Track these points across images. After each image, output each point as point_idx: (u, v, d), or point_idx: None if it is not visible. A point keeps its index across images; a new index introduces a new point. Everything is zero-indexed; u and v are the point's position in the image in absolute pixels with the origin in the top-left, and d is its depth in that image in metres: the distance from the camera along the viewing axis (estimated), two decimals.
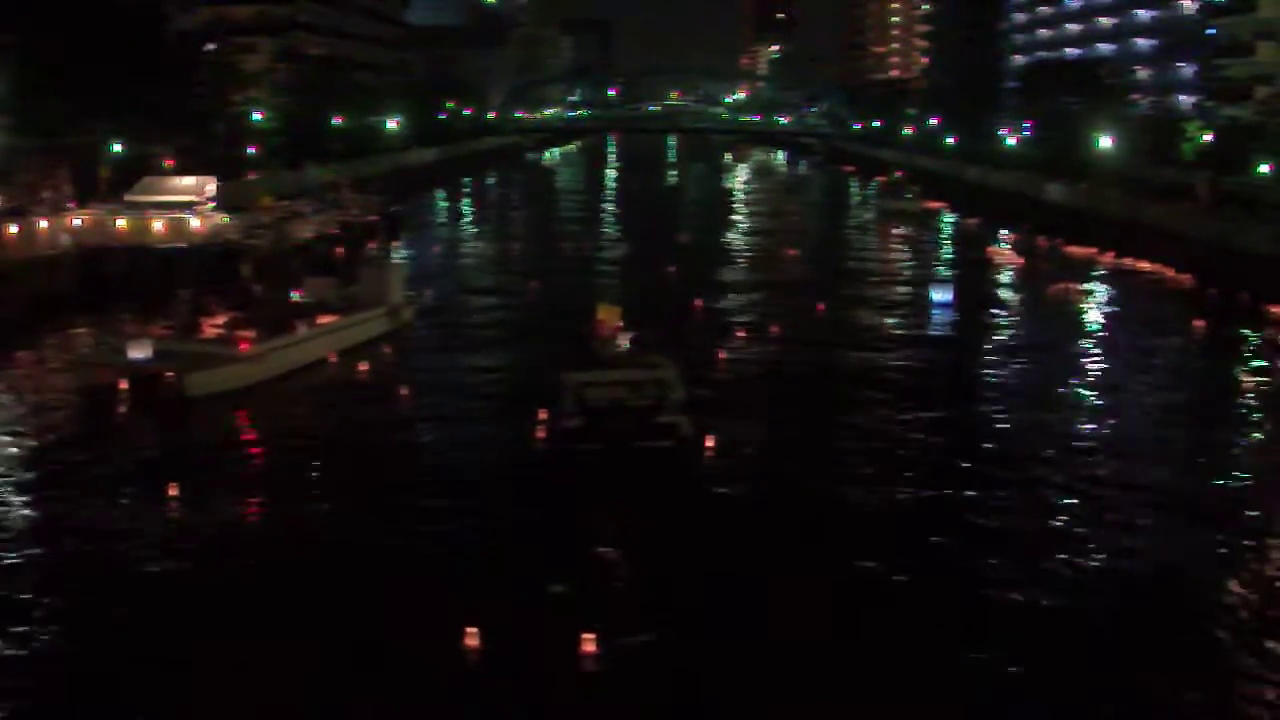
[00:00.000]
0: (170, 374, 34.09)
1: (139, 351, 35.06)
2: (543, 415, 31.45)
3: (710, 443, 30.10)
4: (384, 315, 43.31)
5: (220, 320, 38.22)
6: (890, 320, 50.78)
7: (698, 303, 50.47)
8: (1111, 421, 34.43)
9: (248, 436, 32.79)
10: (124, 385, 34.58)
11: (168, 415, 33.29)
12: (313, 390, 37.17)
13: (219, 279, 43.92)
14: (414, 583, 22.54)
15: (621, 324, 33.14)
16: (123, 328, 38.22)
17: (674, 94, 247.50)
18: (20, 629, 20.32)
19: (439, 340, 45.64)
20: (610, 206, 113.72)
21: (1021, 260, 67.24)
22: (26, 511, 26.02)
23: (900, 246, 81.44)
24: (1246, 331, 46.53)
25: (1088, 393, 38.27)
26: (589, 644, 19.63)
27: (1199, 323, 48.31)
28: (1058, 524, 26.05)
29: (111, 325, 43.07)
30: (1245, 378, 40.58)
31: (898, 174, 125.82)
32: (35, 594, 21.73)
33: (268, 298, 39.94)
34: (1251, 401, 37.76)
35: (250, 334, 36.66)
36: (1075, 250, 71.11)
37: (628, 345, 32.67)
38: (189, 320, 38.24)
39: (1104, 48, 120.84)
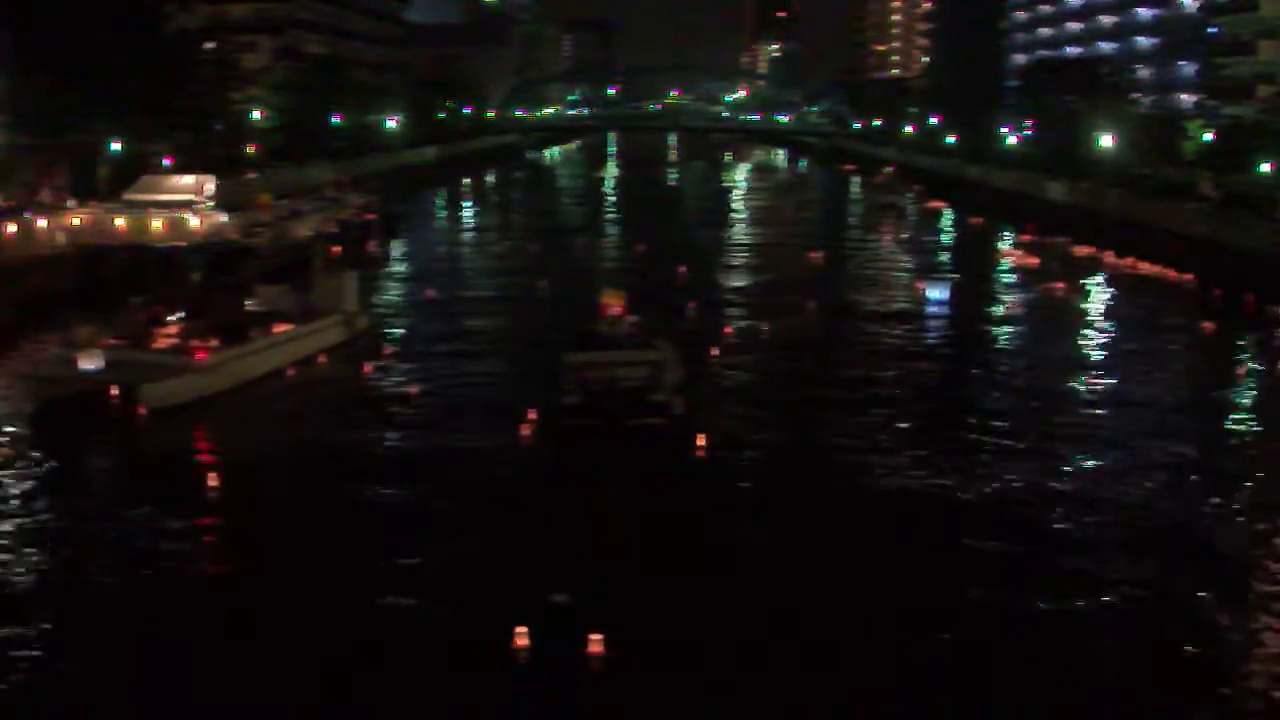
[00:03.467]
0: (124, 386, 32.56)
1: (90, 363, 33.45)
2: (532, 416, 31.67)
3: (701, 440, 30.12)
4: (340, 323, 41.97)
5: (172, 329, 36.69)
6: (886, 317, 50.58)
7: (691, 304, 50.23)
8: (1103, 417, 34.30)
9: (235, 446, 31.55)
10: (76, 398, 32.64)
11: (122, 430, 31.86)
12: (306, 395, 36.86)
13: (171, 285, 42.27)
14: (411, 583, 22.47)
15: (624, 307, 34.33)
16: (75, 338, 36.01)
17: (674, 93, 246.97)
18: None
19: (441, 337, 45.54)
20: (611, 206, 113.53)
21: (1033, 260, 67.02)
22: None
23: (901, 245, 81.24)
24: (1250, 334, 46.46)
25: (1082, 392, 38.16)
26: (596, 645, 19.54)
27: (1207, 325, 47.95)
28: (1049, 521, 25.97)
29: (70, 334, 39.75)
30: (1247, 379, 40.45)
31: (889, 169, 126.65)
32: None
33: (221, 305, 38.22)
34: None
35: (206, 344, 35.24)
36: (1075, 249, 70.98)
37: (629, 328, 33.84)
38: (141, 330, 36.65)
39: (1105, 46, 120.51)
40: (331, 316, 41.63)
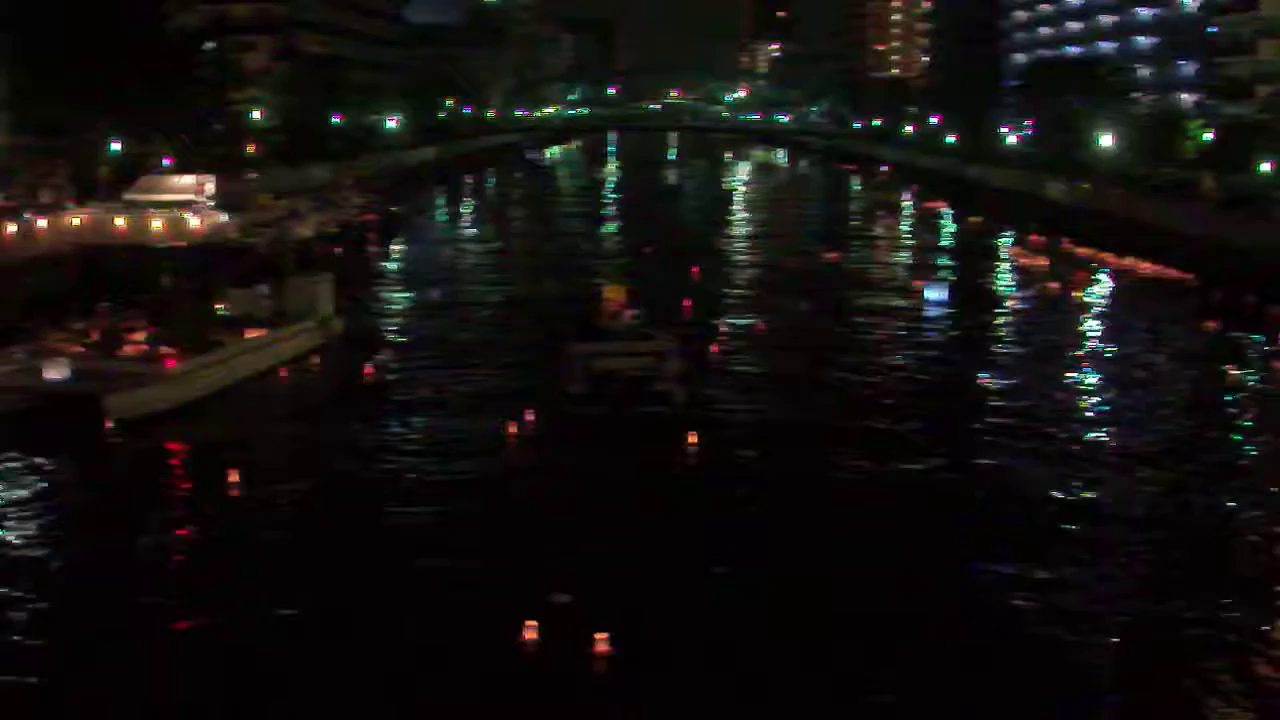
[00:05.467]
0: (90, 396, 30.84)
1: (55, 372, 31.78)
2: (529, 416, 31.99)
3: (693, 439, 30.52)
4: (313, 328, 40.45)
5: (141, 336, 35.06)
6: (883, 316, 50.77)
7: (687, 302, 50.27)
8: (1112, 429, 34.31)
9: (215, 454, 29.62)
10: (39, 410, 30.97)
11: (88, 442, 30.14)
12: (299, 397, 36.87)
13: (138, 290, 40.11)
14: (412, 583, 22.49)
15: (625, 301, 35.84)
16: (38, 346, 34.23)
17: (674, 92, 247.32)
18: None
19: (444, 335, 45.66)
20: (612, 206, 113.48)
21: (1041, 261, 66.94)
22: None
23: (898, 244, 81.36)
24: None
25: (1083, 391, 38.16)
26: (602, 644, 19.50)
27: (1210, 324, 47.76)
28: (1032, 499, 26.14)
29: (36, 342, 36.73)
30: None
31: (884, 168, 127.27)
32: None
33: (189, 311, 36.73)
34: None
35: (174, 351, 33.62)
36: (1076, 250, 70.91)
37: (630, 321, 35.33)
38: (109, 337, 35.00)
39: (1105, 46, 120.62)
40: (305, 321, 40.20)
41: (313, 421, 33.62)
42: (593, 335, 34.34)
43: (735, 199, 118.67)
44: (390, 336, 45.48)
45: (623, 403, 31.31)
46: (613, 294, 36.17)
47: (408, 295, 55.68)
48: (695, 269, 61.13)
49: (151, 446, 30.36)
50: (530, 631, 19.75)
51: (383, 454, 30.36)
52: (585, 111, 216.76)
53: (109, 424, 30.65)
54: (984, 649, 20.08)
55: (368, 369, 38.77)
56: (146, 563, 23.60)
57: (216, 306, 38.70)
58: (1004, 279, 64.41)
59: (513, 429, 31.04)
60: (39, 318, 37.84)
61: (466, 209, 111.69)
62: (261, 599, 21.72)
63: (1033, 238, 75.81)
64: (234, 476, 27.40)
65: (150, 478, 28.54)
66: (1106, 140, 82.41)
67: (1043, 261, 66.74)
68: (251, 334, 37.40)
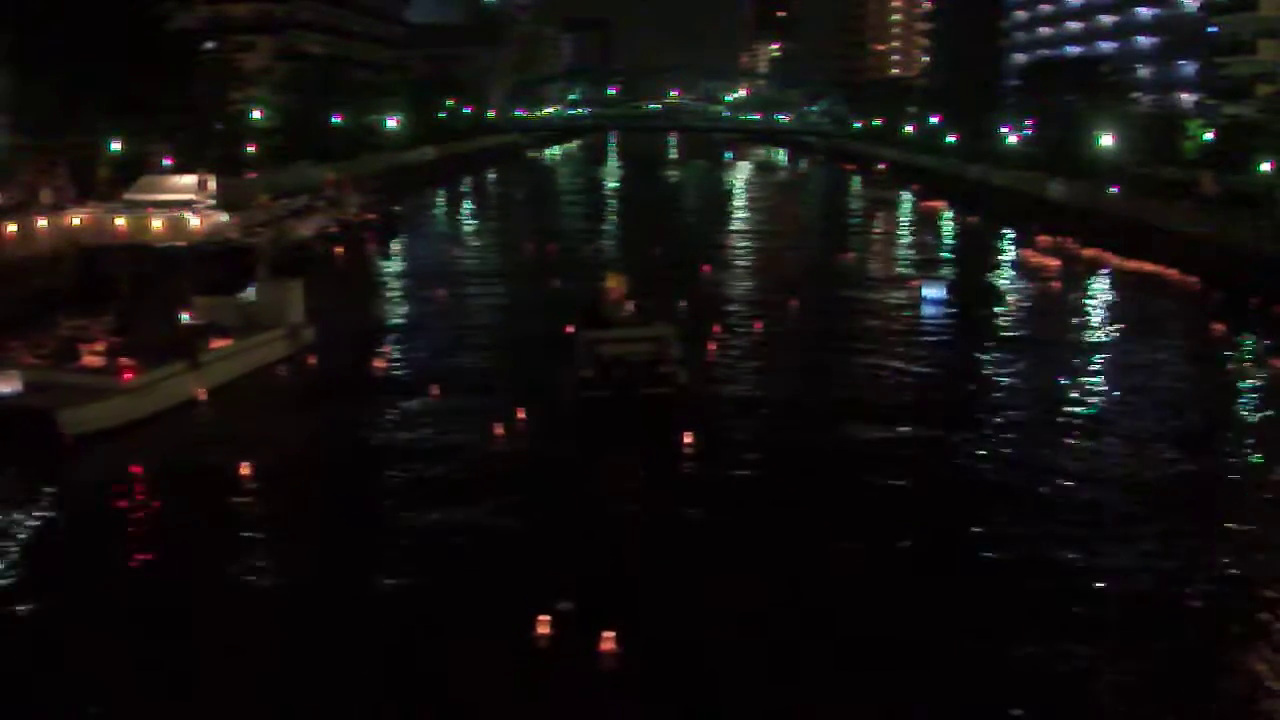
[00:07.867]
0: (43, 410, 29.41)
1: (6, 385, 30.44)
2: (520, 413, 32.84)
3: (689, 438, 31.13)
4: (283, 337, 39.19)
5: (100, 347, 33.28)
6: (881, 316, 50.80)
7: (683, 303, 50.29)
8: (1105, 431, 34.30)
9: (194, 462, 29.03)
10: None
11: (40, 460, 28.61)
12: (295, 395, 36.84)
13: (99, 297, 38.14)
14: (415, 583, 22.45)
15: (627, 290, 37.10)
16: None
17: (674, 92, 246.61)
18: None
19: (445, 337, 45.60)
20: (614, 206, 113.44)
21: (1051, 261, 66.87)
22: None
23: (895, 243, 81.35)
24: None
25: (1086, 391, 38.16)
26: (609, 642, 19.45)
27: (1218, 326, 47.56)
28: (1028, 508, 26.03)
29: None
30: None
31: (880, 166, 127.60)
32: None
33: (152, 320, 35.15)
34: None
35: (133, 362, 32.16)
36: (1080, 250, 70.85)
37: (630, 309, 36.62)
38: (64, 347, 33.33)
39: (1105, 45, 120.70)
40: (275, 330, 38.99)
41: (298, 424, 33.69)
42: (597, 324, 35.80)
43: (736, 198, 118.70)
44: (390, 334, 45.57)
45: (629, 385, 32.78)
46: (614, 283, 37.43)
47: (407, 294, 55.68)
48: (707, 267, 61.47)
49: (106, 461, 29.23)
50: (541, 626, 19.75)
51: (381, 452, 30.38)
52: (585, 111, 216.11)
53: (64, 438, 29.39)
54: (985, 645, 20.11)
55: (379, 362, 39.06)
56: (113, 570, 23.16)
57: (182, 315, 36.98)
58: (1004, 278, 64.32)
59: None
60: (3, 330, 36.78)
61: (467, 209, 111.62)
62: (252, 601, 21.72)
63: (1040, 238, 75.71)
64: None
65: (104, 492, 27.28)
66: (1106, 140, 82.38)
67: (1053, 262, 66.61)
68: (217, 344, 36.24)
